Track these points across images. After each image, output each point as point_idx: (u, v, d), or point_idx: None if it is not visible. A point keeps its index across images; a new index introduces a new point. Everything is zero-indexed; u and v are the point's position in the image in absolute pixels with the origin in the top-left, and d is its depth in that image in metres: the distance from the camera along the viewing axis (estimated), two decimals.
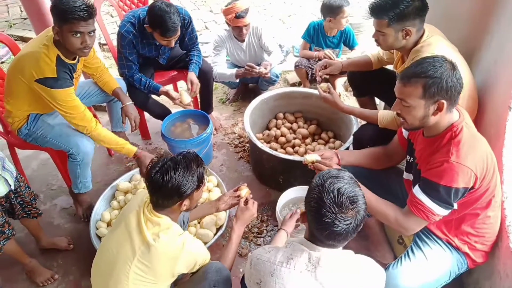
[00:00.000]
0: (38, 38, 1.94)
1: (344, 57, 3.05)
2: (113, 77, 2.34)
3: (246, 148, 2.85)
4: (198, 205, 1.86)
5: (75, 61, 1.98)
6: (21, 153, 2.43)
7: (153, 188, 1.41)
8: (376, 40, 1.83)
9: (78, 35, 1.77)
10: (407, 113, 1.40)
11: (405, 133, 1.69)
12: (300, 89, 2.80)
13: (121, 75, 2.48)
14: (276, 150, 2.48)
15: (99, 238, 2.09)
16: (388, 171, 1.84)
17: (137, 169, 2.42)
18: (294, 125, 2.76)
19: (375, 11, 1.73)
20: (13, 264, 2.03)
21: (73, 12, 1.71)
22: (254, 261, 1.27)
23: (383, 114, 1.90)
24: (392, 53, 2.11)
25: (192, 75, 2.53)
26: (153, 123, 2.94)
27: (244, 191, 1.91)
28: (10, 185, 1.74)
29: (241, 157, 2.79)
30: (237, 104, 3.34)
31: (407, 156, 1.66)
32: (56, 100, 1.87)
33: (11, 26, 4.45)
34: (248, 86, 3.42)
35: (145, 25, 2.23)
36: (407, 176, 1.66)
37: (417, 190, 1.42)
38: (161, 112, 2.74)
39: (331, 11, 2.89)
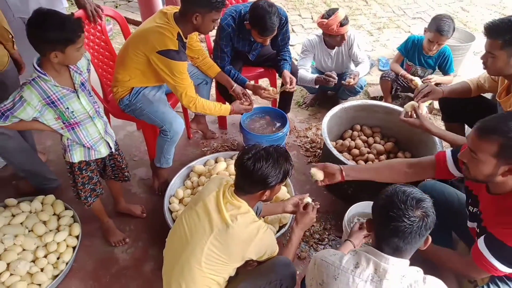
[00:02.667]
0: (156, 17, 2.12)
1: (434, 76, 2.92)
2: None
3: (317, 154, 2.85)
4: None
5: (187, 40, 2.17)
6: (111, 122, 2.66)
7: (242, 172, 1.48)
8: (484, 63, 1.74)
9: (216, 22, 2.07)
10: (473, 166, 1.31)
11: (452, 168, 1.58)
12: (384, 103, 2.73)
13: None
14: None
15: (170, 212, 2.22)
16: (452, 215, 1.74)
17: (212, 155, 2.54)
18: (370, 139, 2.70)
19: (490, 30, 1.64)
20: (94, 221, 2.23)
21: (221, 4, 1.99)
22: (318, 262, 1.28)
23: None
24: (495, 81, 1.99)
25: (286, 73, 2.59)
26: (231, 115, 3.05)
27: (308, 200, 1.94)
28: (110, 148, 1.92)
29: (311, 162, 2.79)
30: (313, 109, 3.35)
31: (470, 206, 1.56)
32: (173, 71, 2.05)
33: (116, 7, 4.86)
34: (327, 93, 3.41)
35: (245, 22, 2.33)
36: (471, 225, 1.56)
37: (481, 244, 1.35)
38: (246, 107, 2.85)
39: (429, 27, 2.79)
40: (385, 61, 3.84)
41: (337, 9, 2.72)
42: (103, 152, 1.89)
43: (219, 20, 2.11)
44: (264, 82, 3.42)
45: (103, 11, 2.40)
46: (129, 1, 4.89)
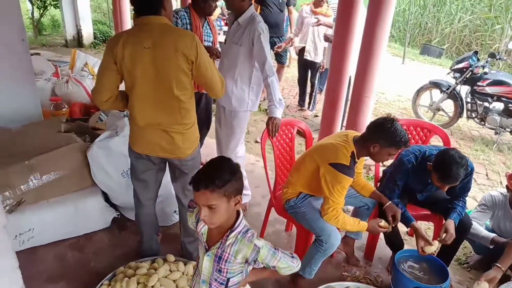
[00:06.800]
0: (337, 135, 2.40)
1: None
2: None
3: None
4: None
5: (358, 161, 2.32)
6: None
7: None
8: None
9: (391, 156, 2.22)
10: None
11: None
12: None
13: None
14: None
15: None
16: None
17: (354, 284, 2.42)
18: None
19: None
20: None
21: (403, 144, 2.16)
22: None
23: None
24: None
25: (451, 224, 2.41)
26: (380, 248, 2.92)
27: None
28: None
29: None
30: (476, 273, 2.91)
31: None
32: (338, 183, 2.16)
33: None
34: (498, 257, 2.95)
35: (428, 162, 2.35)
36: None
37: None
38: (397, 242, 2.71)
39: None
40: None
41: None
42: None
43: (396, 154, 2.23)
44: (423, 225, 3.22)
45: (293, 125, 2.81)
46: (305, 119, 5.54)
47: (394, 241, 2.73)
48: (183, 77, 2.01)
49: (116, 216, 2.94)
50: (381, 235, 2.76)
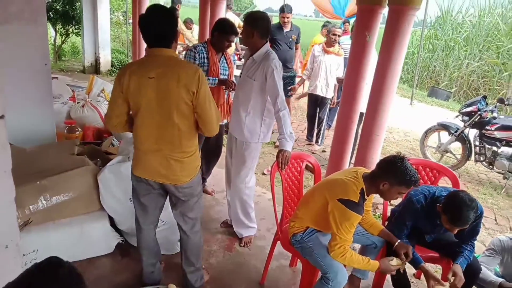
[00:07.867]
0: (347, 171, 2.39)
1: None
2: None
3: None
4: None
5: (367, 198, 2.31)
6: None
7: None
8: None
9: (401, 195, 2.19)
10: None
11: None
12: None
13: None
14: None
15: None
16: None
17: None
18: None
19: None
20: None
21: (413, 183, 2.14)
22: None
23: None
24: None
25: (458, 269, 2.37)
26: None
27: None
28: None
29: None
30: None
31: None
32: (346, 220, 2.14)
33: None
34: None
35: (437, 204, 2.34)
36: None
37: None
38: (404, 284, 2.65)
39: None
40: None
41: None
42: None
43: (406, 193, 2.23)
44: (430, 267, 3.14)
45: (302, 159, 2.83)
46: (313, 153, 5.57)
47: (401, 283, 2.67)
48: (184, 107, 2.08)
49: (121, 242, 2.93)
50: (388, 276, 2.70)
